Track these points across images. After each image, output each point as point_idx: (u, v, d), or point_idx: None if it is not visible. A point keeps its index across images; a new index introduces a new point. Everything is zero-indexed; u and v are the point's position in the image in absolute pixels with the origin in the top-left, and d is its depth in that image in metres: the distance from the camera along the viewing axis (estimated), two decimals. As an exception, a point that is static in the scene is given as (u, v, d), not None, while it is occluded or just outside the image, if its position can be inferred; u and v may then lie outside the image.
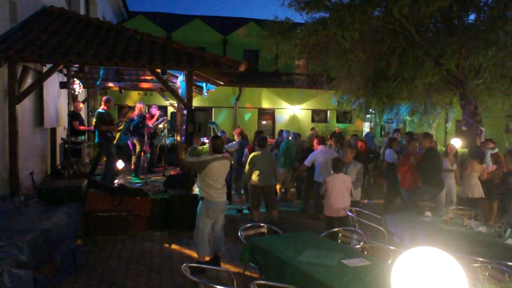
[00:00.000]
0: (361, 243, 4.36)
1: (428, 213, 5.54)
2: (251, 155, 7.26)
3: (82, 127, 8.72)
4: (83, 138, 9.07)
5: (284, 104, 19.82)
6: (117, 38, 8.05)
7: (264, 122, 20.24)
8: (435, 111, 11.74)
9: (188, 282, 4.69)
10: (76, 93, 9.17)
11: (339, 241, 4.71)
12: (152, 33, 8.60)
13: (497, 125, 15.03)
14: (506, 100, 9.91)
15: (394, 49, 9.65)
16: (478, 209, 6.69)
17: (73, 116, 8.40)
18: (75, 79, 8.66)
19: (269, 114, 20.20)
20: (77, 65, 7.40)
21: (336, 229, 4.91)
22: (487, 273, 3.49)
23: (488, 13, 9.33)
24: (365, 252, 4.18)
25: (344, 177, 6.05)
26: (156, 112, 10.07)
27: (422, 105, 11.36)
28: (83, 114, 10.07)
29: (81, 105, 9.41)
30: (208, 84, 10.32)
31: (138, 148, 9.21)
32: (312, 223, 7.87)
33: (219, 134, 8.73)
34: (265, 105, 19.76)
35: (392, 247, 4.14)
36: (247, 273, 4.78)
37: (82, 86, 9.25)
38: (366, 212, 5.89)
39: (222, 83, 9.83)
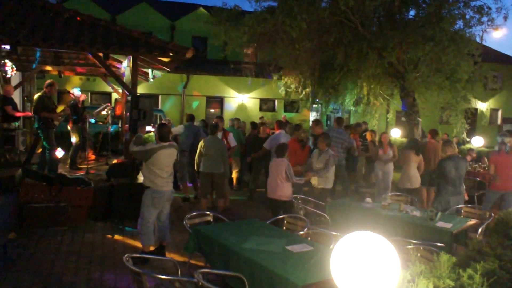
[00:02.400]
0: (305, 229, 4.47)
1: (369, 199, 5.79)
2: (200, 142, 7.19)
3: (18, 113, 8.13)
4: (17, 125, 8.47)
5: (233, 92, 19.76)
6: (55, 19, 7.54)
7: (212, 110, 20.09)
8: (378, 101, 12.26)
9: (131, 273, 4.56)
10: (8, 75, 8.52)
11: (284, 227, 4.81)
12: (94, 15, 8.16)
13: (433, 116, 15.97)
14: (441, 93, 10.54)
15: (340, 41, 9.92)
16: (415, 195, 7.08)
17: (4, 100, 7.80)
18: (6, 61, 8.04)
19: (217, 102, 20.07)
20: (9, 46, 6.85)
21: (281, 216, 5.00)
22: (419, 254, 3.72)
23: (426, 10, 9.83)
24: (309, 238, 4.29)
25: (279, 162, 6.03)
26: (78, 94, 9.32)
27: (365, 96, 11.80)
28: (17, 99, 9.38)
29: (13, 89, 8.75)
30: (154, 70, 10.01)
31: (74, 136, 8.78)
32: (259, 211, 7.95)
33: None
34: (213, 93, 19.59)
35: (334, 233, 4.28)
36: (192, 261, 4.75)
37: (15, 68, 8.60)
38: (310, 199, 6.05)
39: (169, 70, 9.58)
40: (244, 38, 9.99)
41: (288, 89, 11.88)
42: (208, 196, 7.37)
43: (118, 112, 9.72)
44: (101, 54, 6.96)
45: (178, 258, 5.19)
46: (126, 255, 3.30)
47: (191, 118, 8.88)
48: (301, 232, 4.41)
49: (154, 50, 7.11)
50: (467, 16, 9.47)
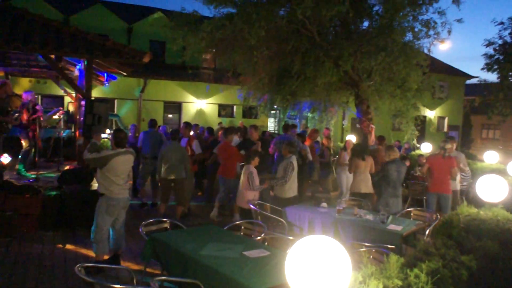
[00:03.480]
0: (262, 235, 4.51)
1: (324, 204, 5.93)
2: (161, 148, 7.10)
3: None
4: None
5: (191, 97, 19.61)
6: (2, 17, 7.18)
7: (170, 115, 19.82)
8: (334, 108, 12.61)
9: (83, 283, 4.40)
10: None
11: (241, 233, 4.82)
12: (46, 15, 7.85)
13: (385, 123, 16.62)
14: (393, 101, 10.99)
15: (297, 49, 10.11)
16: (368, 199, 7.34)
17: None
18: None
19: (176, 108, 19.83)
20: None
21: (238, 222, 5.02)
22: (371, 256, 3.87)
23: (379, 22, 10.25)
24: (266, 243, 4.34)
25: (246, 168, 6.24)
26: (30, 98, 8.89)
27: (322, 103, 12.10)
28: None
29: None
30: (110, 74, 9.77)
31: (23, 141, 8.36)
32: (217, 217, 7.91)
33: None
34: (172, 98, 19.35)
35: (291, 237, 4.36)
36: (148, 270, 4.65)
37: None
38: (267, 204, 6.11)
39: (125, 74, 9.39)
40: (202, 43, 9.94)
41: (246, 96, 11.95)
42: (168, 202, 7.26)
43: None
44: (52, 56, 6.70)
45: (134, 266, 5.07)
46: (78, 264, 3.19)
47: (153, 124, 8.73)
48: (258, 238, 4.45)
49: (109, 54, 6.96)
50: (416, 29, 9.96)
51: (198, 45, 10.18)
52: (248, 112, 19.60)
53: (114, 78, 10.37)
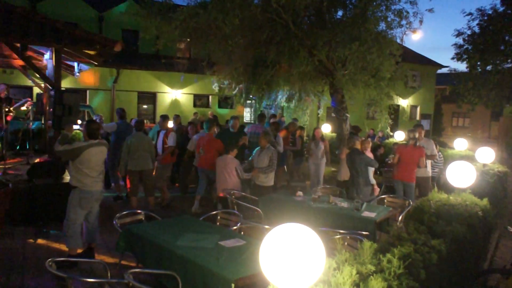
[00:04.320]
0: (238, 224, 4.51)
1: (300, 193, 5.98)
2: (127, 139, 6.97)
3: None
4: None
5: (166, 88, 19.32)
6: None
7: (144, 106, 19.49)
8: (309, 98, 12.67)
9: (56, 278, 4.31)
10: None
11: (218, 223, 4.81)
12: (9, 1, 7.51)
13: (360, 112, 16.85)
14: (367, 90, 11.14)
15: (272, 38, 10.07)
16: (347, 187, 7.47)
17: None
18: None
19: (150, 98, 19.50)
20: None
21: (214, 212, 5.01)
22: (346, 243, 3.93)
23: (352, 11, 10.31)
24: (242, 233, 4.34)
25: (225, 159, 6.28)
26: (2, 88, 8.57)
27: (297, 92, 12.14)
28: None
29: None
30: (80, 64, 9.48)
31: None
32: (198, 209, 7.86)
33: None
34: (146, 88, 19.00)
35: (266, 226, 4.37)
36: (123, 262, 4.60)
37: None
38: (244, 194, 6.11)
39: (96, 63, 9.13)
40: (175, 32, 9.77)
41: (221, 85, 11.86)
42: (138, 194, 7.16)
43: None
44: (18, 45, 6.43)
45: (109, 259, 4.99)
46: (49, 259, 3.11)
47: (122, 114, 8.53)
48: (234, 227, 4.45)
49: (79, 42, 6.75)
50: (389, 19, 10.08)
51: (171, 34, 10.01)
52: (224, 102, 19.48)
53: (85, 68, 10.08)
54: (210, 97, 20.23)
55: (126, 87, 18.37)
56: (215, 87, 12.29)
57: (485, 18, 18.98)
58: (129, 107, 17.97)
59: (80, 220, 4.89)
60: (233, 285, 2.37)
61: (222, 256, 3.40)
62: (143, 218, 4.82)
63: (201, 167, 7.58)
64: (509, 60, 19.40)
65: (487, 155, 6.67)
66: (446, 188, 5.09)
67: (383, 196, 6.48)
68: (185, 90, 19.58)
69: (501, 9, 18.41)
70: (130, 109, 17.44)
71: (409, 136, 7.15)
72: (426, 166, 7.25)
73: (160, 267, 3.62)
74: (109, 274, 3.58)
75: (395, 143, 11.53)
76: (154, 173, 7.80)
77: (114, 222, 4.47)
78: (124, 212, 4.75)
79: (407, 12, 9.84)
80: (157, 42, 10.84)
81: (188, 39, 11.41)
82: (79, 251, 4.93)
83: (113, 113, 16.71)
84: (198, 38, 10.70)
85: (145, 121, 8.19)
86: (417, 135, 7.10)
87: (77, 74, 10.01)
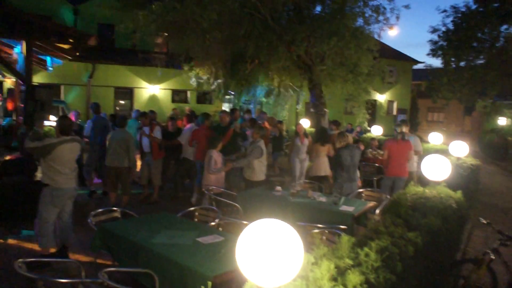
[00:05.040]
0: (216, 220, 4.47)
1: (279, 188, 5.97)
2: (111, 136, 6.85)
3: None
4: None
5: (143, 83, 19.02)
6: None
7: (122, 101, 19.14)
8: (288, 93, 12.69)
9: (27, 280, 4.17)
10: None
11: (196, 220, 4.76)
12: (-23, -7, 7.23)
13: (338, 107, 17.01)
14: (345, 85, 11.23)
15: (250, 33, 10.02)
16: (326, 182, 7.50)
17: None
18: None
19: (127, 93, 19.15)
20: None
21: (192, 208, 4.94)
22: (324, 237, 3.94)
23: (331, 6, 10.36)
24: (220, 229, 4.30)
25: (208, 154, 6.32)
26: None
27: (276, 88, 12.14)
28: None
29: None
30: (53, 58, 9.21)
31: None
32: (170, 204, 7.76)
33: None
34: (122, 83, 18.65)
35: (245, 222, 4.34)
36: (99, 261, 4.50)
37: None
38: (222, 189, 6.07)
39: (70, 58, 8.88)
40: (152, 26, 9.61)
41: (199, 80, 11.75)
42: (117, 190, 7.02)
43: (10, 107, 8.77)
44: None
45: (84, 259, 4.88)
46: (19, 260, 3.00)
47: (96, 109, 8.33)
48: (213, 223, 4.40)
49: (51, 36, 6.54)
50: (366, 15, 10.18)
51: (148, 28, 9.83)
52: (203, 98, 19.32)
53: (59, 62, 9.79)
54: (189, 92, 20.03)
55: (102, 82, 17.99)
56: (193, 82, 12.17)
57: (459, 15, 19.40)
58: (106, 102, 17.60)
59: (53, 218, 4.75)
60: (209, 282, 2.33)
61: (199, 252, 3.35)
62: (119, 216, 4.72)
63: (198, 159, 7.56)
64: (481, 57, 19.91)
65: (461, 148, 6.81)
66: (422, 181, 5.17)
67: (361, 190, 6.53)
68: (163, 85, 19.32)
69: (474, 7, 18.86)
70: (106, 105, 17.09)
71: (397, 131, 7.21)
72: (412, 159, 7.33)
73: (136, 265, 3.54)
74: (83, 274, 3.48)
75: (372, 138, 11.68)
76: (143, 171, 7.73)
77: (89, 221, 4.36)
78: (99, 210, 4.63)
79: (384, 8, 9.97)
80: (133, 36, 10.64)
81: (166, 34, 11.23)
82: (52, 250, 4.80)
83: (88, 109, 16.35)
84: (176, 33, 10.56)
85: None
86: (404, 129, 7.18)
87: (50, 68, 9.72)
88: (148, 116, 8.09)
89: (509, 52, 17.94)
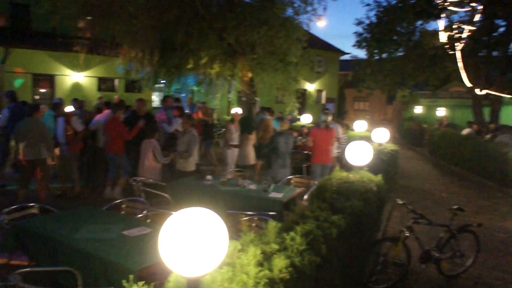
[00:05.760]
0: (144, 212, 4.33)
1: (209, 177, 5.93)
2: (17, 126, 6.28)
3: None
4: None
5: (66, 70, 17.77)
6: None
7: (42, 90, 17.74)
8: (219, 82, 12.60)
9: None
10: None
11: (123, 212, 4.57)
12: None
13: (269, 96, 17.24)
14: (275, 74, 11.40)
15: (180, 19, 9.76)
16: (253, 169, 7.59)
17: None
18: None
19: (47, 81, 17.79)
20: None
21: (118, 201, 4.74)
22: (254, 224, 3.99)
23: (261, -5, 10.40)
24: (149, 220, 4.17)
25: (145, 143, 6.22)
26: None
27: (207, 76, 11.99)
28: None
29: None
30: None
31: None
32: (95, 197, 7.38)
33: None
34: (42, 70, 17.28)
35: (173, 212, 4.24)
36: (15, 262, 4.14)
37: None
38: (151, 180, 5.90)
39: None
40: (72, 8, 8.97)
41: (128, 68, 11.25)
42: (28, 186, 6.53)
43: None
44: None
45: (-3, 261, 4.46)
46: None
47: (13, 97, 7.64)
48: (140, 215, 4.26)
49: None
50: (295, 5, 10.40)
51: (67, 10, 9.17)
52: (131, 86, 18.54)
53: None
54: (116, 80, 19.09)
55: (18, 68, 16.51)
56: (121, 70, 11.62)
57: (381, 9, 20.51)
58: (23, 90, 16.20)
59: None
60: (131, 276, 2.23)
61: (125, 246, 3.22)
62: (38, 212, 4.38)
63: (108, 152, 7.18)
64: (400, 49, 21.29)
65: (383, 135, 7.24)
66: (347, 167, 5.42)
67: (290, 176, 6.70)
68: (87, 72, 18.20)
69: (394, 1, 20.04)
70: (23, 93, 15.74)
71: (323, 119, 7.44)
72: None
73: (57, 263, 3.32)
74: (-6, 277, 3.19)
75: (303, 126, 12.03)
76: (60, 164, 7.24)
77: (1, 219, 3.99)
78: (14, 207, 4.27)
79: (312, -1, 10.21)
80: (52, 19, 9.87)
81: (89, 17, 10.55)
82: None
83: (2, 97, 14.95)
84: (100, 16, 9.97)
85: (41, 106, 7.42)
86: (329, 118, 7.44)
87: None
88: (60, 106, 7.59)
89: (423, 46, 19.37)
